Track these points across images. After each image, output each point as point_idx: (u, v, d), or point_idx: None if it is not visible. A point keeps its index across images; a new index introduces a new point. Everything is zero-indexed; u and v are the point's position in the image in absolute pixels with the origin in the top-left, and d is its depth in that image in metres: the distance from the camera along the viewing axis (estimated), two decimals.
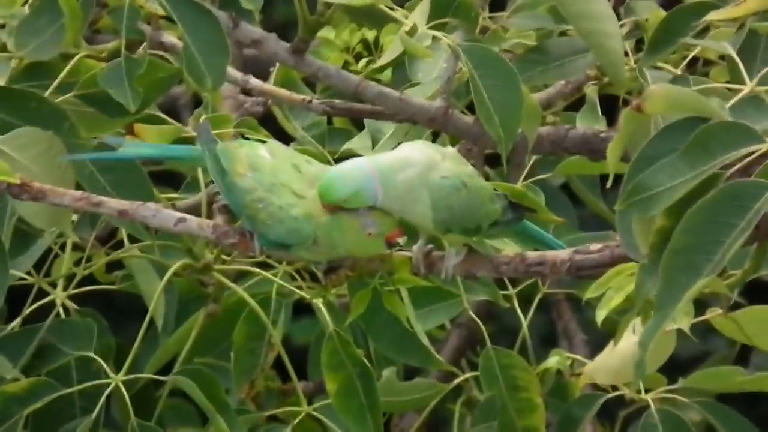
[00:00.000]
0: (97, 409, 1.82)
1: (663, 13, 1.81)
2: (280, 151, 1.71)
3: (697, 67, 1.92)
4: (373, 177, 1.62)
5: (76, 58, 1.80)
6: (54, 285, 1.92)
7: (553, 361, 1.92)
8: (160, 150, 1.74)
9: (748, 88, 1.53)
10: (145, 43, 1.81)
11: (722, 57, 1.88)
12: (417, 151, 1.65)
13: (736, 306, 1.69)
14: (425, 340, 1.83)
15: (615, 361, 1.78)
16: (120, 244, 1.95)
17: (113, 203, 1.70)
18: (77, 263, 1.92)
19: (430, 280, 1.77)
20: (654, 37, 1.77)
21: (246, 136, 1.83)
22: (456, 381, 1.98)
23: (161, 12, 1.77)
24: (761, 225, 1.50)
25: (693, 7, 1.75)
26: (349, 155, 1.93)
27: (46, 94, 1.77)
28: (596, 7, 1.77)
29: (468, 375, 1.99)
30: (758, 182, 1.41)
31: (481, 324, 1.93)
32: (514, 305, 1.99)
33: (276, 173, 1.67)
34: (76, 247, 1.93)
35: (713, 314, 1.65)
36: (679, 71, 1.86)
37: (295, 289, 1.90)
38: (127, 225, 1.83)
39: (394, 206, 1.63)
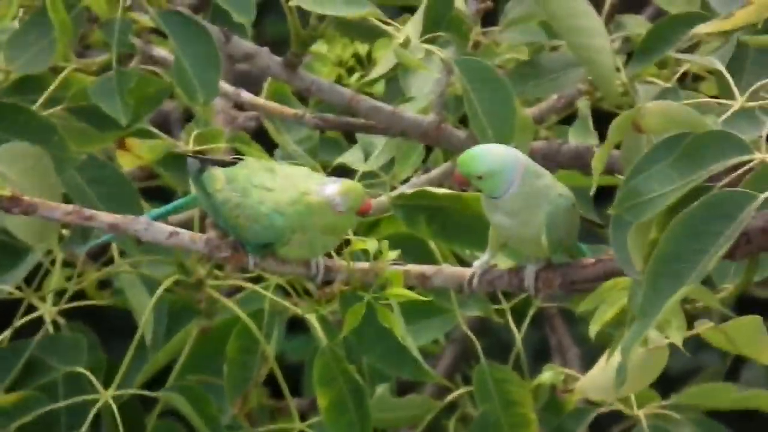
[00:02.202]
0: (86, 425, 1.81)
1: (653, 24, 1.81)
2: (262, 162, 1.72)
3: (687, 81, 1.92)
4: (518, 168, 1.62)
5: (66, 71, 1.80)
6: (44, 300, 1.91)
7: (546, 376, 1.91)
8: (166, 208, 1.74)
9: (738, 103, 1.53)
10: (136, 57, 1.82)
11: (711, 71, 1.88)
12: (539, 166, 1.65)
13: (725, 320, 1.69)
14: (416, 354, 1.83)
15: (607, 376, 1.77)
16: (111, 260, 1.94)
17: (104, 217, 1.69)
18: (69, 278, 1.92)
19: (424, 294, 1.77)
20: (642, 46, 1.78)
21: (240, 152, 1.83)
22: (450, 397, 1.97)
23: (153, 26, 1.78)
24: (753, 238, 1.50)
25: (681, 17, 1.75)
26: (342, 169, 1.93)
27: (36, 107, 1.77)
28: (587, 23, 1.77)
29: (462, 390, 1.99)
30: (742, 193, 1.41)
31: (474, 339, 1.92)
32: (507, 320, 1.98)
33: (250, 178, 1.68)
34: (67, 263, 1.93)
35: (703, 327, 1.64)
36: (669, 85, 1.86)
37: (288, 305, 1.89)
38: (117, 239, 1.82)
39: (515, 206, 1.62)
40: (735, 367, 2.36)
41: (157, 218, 1.70)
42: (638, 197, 1.43)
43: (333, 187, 1.65)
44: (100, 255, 1.98)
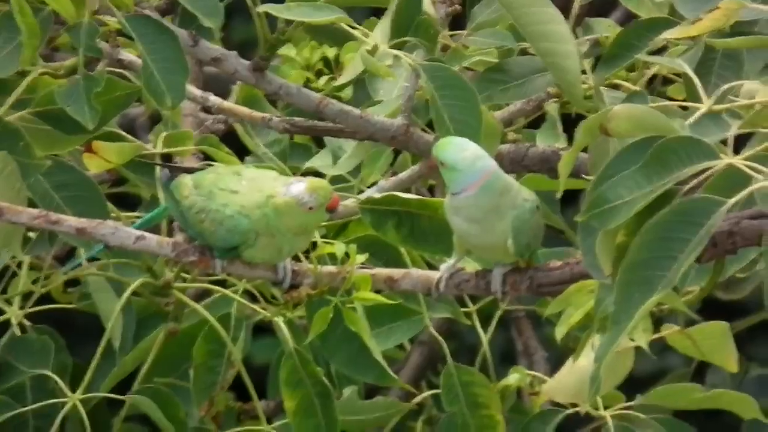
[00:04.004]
0: (54, 428, 1.80)
1: (620, 30, 1.82)
2: (230, 166, 1.72)
3: (655, 85, 1.94)
4: (481, 175, 1.63)
5: (33, 74, 1.79)
6: (10, 303, 1.90)
7: (513, 378, 1.92)
8: (146, 219, 1.74)
9: (705, 106, 1.54)
10: (103, 61, 1.81)
11: (679, 75, 1.90)
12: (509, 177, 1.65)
13: (692, 324, 1.70)
14: (380, 358, 1.83)
15: (574, 379, 1.78)
16: (78, 264, 1.93)
17: (71, 221, 1.69)
18: (35, 281, 1.91)
19: (392, 297, 1.77)
20: (609, 51, 1.79)
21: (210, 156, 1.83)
22: (417, 399, 1.98)
23: (120, 29, 1.77)
24: (719, 242, 1.51)
25: (648, 22, 1.76)
26: (311, 174, 1.93)
27: (2, 111, 1.76)
28: (553, 28, 1.78)
29: (428, 393, 1.99)
30: (711, 199, 1.42)
31: (442, 341, 1.93)
32: (474, 322, 1.99)
33: (216, 182, 1.68)
34: (33, 265, 1.92)
35: (669, 331, 1.65)
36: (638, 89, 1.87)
37: (256, 308, 1.89)
38: (82, 243, 1.81)
39: (472, 213, 1.63)
40: (700, 370, 2.38)
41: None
42: (606, 203, 1.44)
43: (299, 186, 1.65)
44: (67, 258, 1.97)
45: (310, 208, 1.64)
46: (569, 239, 2.08)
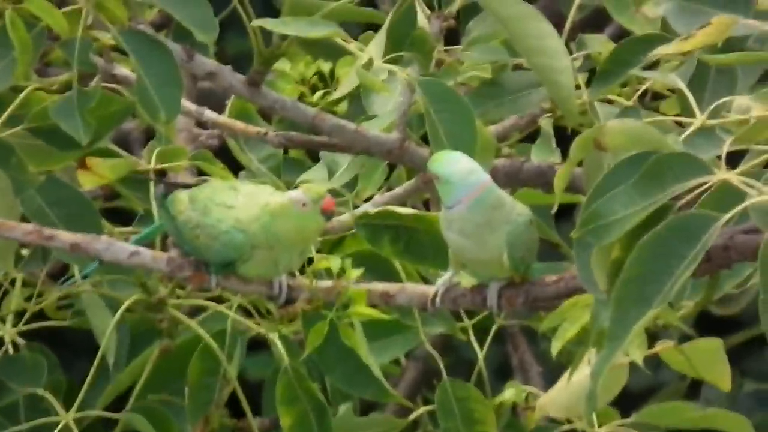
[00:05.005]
0: None
1: (614, 46, 1.82)
2: (226, 182, 1.72)
3: (647, 100, 1.94)
4: (474, 189, 1.63)
5: (27, 90, 1.79)
6: (3, 320, 1.89)
7: (508, 393, 1.91)
8: (144, 234, 1.74)
9: (698, 121, 1.54)
10: (97, 76, 1.80)
11: (672, 90, 1.90)
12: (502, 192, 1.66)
13: (686, 338, 1.70)
14: (378, 374, 1.83)
15: (569, 394, 1.78)
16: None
17: (65, 236, 1.68)
18: (28, 299, 1.90)
19: (388, 312, 1.77)
20: (603, 68, 1.79)
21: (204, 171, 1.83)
22: (413, 415, 1.97)
23: (114, 44, 1.77)
24: (713, 256, 1.51)
25: (641, 39, 1.77)
26: None
27: None
28: (548, 43, 1.78)
29: (424, 409, 1.98)
30: (706, 214, 1.42)
31: (438, 357, 1.92)
32: (470, 338, 1.99)
33: (211, 197, 1.68)
34: (26, 282, 1.91)
35: (663, 347, 1.65)
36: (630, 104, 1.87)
37: (250, 324, 1.88)
38: (77, 260, 1.81)
39: (466, 227, 1.63)
40: (695, 385, 2.37)
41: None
42: (600, 219, 1.44)
43: (293, 192, 1.67)
44: (60, 275, 1.96)
45: (304, 205, 1.64)
46: (564, 254, 2.08)
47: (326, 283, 1.72)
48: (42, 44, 1.76)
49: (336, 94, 1.94)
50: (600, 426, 1.83)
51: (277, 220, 1.65)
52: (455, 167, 1.64)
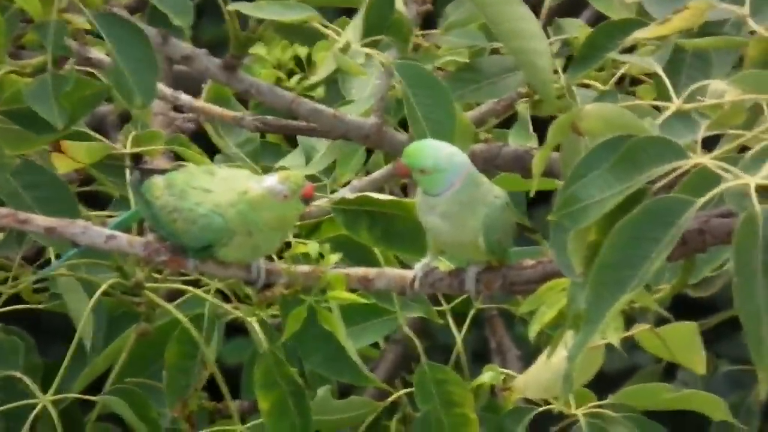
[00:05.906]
0: (25, 430, 1.79)
1: (591, 31, 1.82)
2: (204, 166, 1.71)
3: (625, 84, 1.94)
4: (463, 171, 1.62)
5: (0, 73, 1.77)
6: None
7: (486, 376, 1.92)
8: (121, 219, 1.73)
9: (675, 105, 1.55)
10: (72, 59, 1.79)
11: (649, 75, 1.91)
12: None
13: (663, 321, 1.71)
14: (356, 358, 1.83)
15: (546, 375, 1.79)
16: (48, 263, 1.92)
17: (40, 220, 1.67)
18: (3, 282, 1.89)
19: (366, 296, 1.77)
20: (580, 52, 1.79)
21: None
22: (391, 398, 1.98)
23: (88, 27, 1.75)
24: (688, 240, 1.52)
25: (618, 23, 1.77)
26: None
27: None
28: (525, 26, 1.79)
29: (403, 392, 1.99)
30: (681, 198, 1.42)
31: (417, 340, 1.93)
32: (448, 321, 1.99)
33: (188, 181, 1.67)
34: (2, 266, 1.90)
35: (639, 330, 1.66)
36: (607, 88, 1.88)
37: (228, 308, 1.88)
38: (53, 243, 1.80)
39: (450, 209, 1.63)
40: (671, 367, 2.39)
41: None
42: (577, 203, 1.44)
43: (271, 179, 1.66)
44: (36, 258, 1.95)
45: (285, 197, 1.64)
46: (536, 239, 2.08)
47: (305, 268, 1.72)
48: (15, 27, 1.74)
49: (313, 79, 1.94)
50: (578, 407, 1.84)
51: (256, 210, 1.64)
52: (440, 154, 1.63)
